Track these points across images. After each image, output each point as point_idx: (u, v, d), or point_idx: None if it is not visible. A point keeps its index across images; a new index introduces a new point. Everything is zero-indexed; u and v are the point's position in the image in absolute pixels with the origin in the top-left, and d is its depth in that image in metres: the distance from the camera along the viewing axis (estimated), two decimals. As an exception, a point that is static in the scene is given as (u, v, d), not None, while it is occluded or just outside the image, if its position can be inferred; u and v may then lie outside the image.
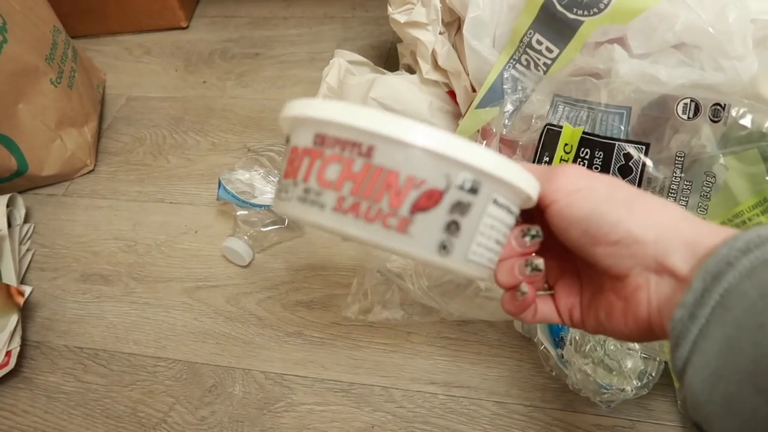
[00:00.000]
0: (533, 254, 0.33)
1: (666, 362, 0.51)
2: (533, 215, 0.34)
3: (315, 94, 0.79)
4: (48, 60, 0.80)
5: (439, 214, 0.27)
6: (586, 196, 0.31)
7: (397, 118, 0.26)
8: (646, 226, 0.30)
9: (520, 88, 0.60)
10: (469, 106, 0.64)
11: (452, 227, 0.28)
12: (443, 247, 0.28)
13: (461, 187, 0.27)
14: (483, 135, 0.63)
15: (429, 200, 0.27)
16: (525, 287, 0.33)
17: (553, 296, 0.37)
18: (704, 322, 0.26)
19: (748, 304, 0.25)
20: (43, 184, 0.86)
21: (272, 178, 0.73)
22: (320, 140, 0.28)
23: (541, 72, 0.59)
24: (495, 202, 0.29)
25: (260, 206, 0.71)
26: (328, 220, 0.28)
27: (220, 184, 0.73)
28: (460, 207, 0.28)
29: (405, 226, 0.27)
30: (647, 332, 0.31)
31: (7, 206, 0.78)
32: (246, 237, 0.72)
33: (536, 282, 0.34)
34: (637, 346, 0.50)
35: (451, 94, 0.74)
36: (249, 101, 0.95)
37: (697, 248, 0.29)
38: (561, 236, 0.32)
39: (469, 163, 0.27)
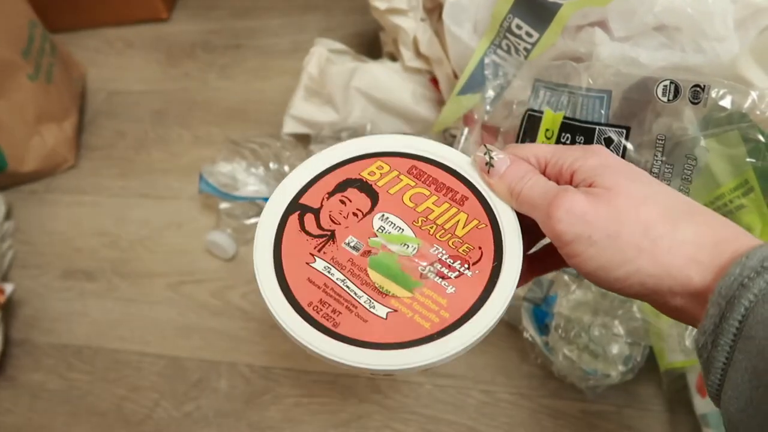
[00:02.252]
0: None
1: (651, 347, 0.51)
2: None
3: (298, 84, 0.78)
4: (24, 54, 0.78)
5: None
6: (586, 248, 0.29)
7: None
8: (659, 278, 0.28)
9: (501, 73, 0.59)
10: (452, 93, 0.64)
11: None
12: None
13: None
14: (465, 122, 0.62)
15: None
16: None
17: None
18: (729, 350, 0.25)
19: None
20: (24, 181, 0.85)
21: (254, 170, 0.72)
22: None
23: (522, 57, 0.58)
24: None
25: (242, 198, 0.70)
26: None
27: (201, 177, 0.72)
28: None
29: None
30: None
31: (-13, 204, 0.77)
32: (229, 230, 0.71)
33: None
34: (622, 331, 0.50)
35: (434, 81, 0.73)
36: (232, 93, 0.94)
37: (708, 288, 0.27)
38: None
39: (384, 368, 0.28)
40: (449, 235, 0.32)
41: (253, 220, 0.72)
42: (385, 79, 0.75)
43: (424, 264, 0.30)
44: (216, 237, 0.70)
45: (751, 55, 0.49)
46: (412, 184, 0.33)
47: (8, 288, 0.69)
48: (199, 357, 0.66)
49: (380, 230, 0.32)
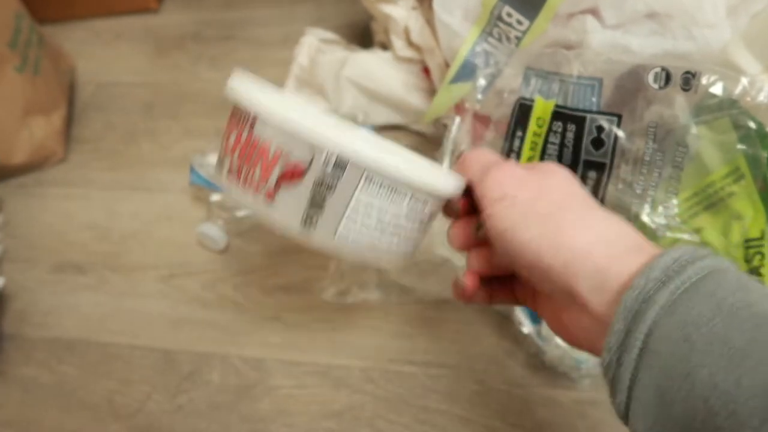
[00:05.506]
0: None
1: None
2: None
3: (289, 75, 0.78)
4: (11, 46, 0.77)
5: (303, 189, 0.30)
6: (507, 207, 0.30)
7: (279, 94, 0.30)
8: (556, 249, 0.28)
9: (492, 62, 0.59)
10: (443, 82, 0.63)
11: (317, 202, 0.30)
12: (308, 220, 0.30)
13: (325, 164, 0.29)
14: (457, 111, 0.62)
15: (293, 174, 0.30)
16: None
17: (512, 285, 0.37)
18: (633, 368, 0.25)
19: (673, 349, 0.24)
20: (13, 174, 0.84)
21: (245, 162, 0.71)
22: (232, 112, 0.33)
23: (513, 45, 0.58)
24: (371, 181, 0.29)
25: (233, 190, 0.70)
26: (224, 182, 0.32)
27: (192, 169, 0.71)
28: (325, 184, 0.29)
29: (272, 195, 0.30)
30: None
31: (-25, 197, 0.77)
32: (221, 222, 0.71)
33: None
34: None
35: (426, 70, 0.73)
36: (222, 85, 0.91)
37: (607, 276, 0.27)
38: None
39: (332, 142, 0.29)
40: None
41: (243, 212, 0.71)
42: (377, 68, 0.74)
43: None
44: (207, 229, 0.70)
45: (742, 42, 0.49)
46: None
47: (-2, 282, 0.68)
48: (191, 349, 0.65)
49: None
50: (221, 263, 0.72)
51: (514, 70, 0.57)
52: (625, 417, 0.26)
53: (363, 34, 0.94)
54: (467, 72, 0.60)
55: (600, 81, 0.50)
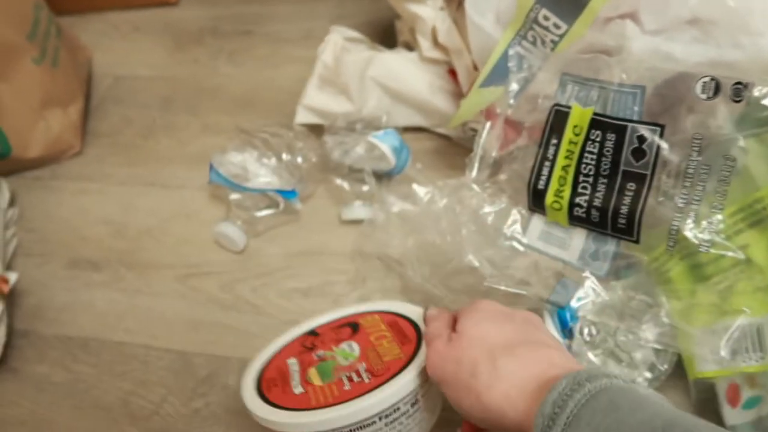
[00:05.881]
0: None
1: (678, 354, 0.50)
2: None
3: (309, 72, 0.76)
4: (30, 37, 0.76)
5: None
6: (444, 387, 0.39)
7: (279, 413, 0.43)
8: (485, 413, 0.36)
9: (525, 66, 0.57)
10: (472, 85, 0.62)
11: None
12: None
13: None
14: (487, 116, 0.60)
15: None
16: None
17: None
18: None
19: None
20: (29, 167, 0.83)
21: (265, 161, 0.70)
22: None
23: (548, 49, 0.56)
24: None
25: (253, 190, 0.69)
26: None
27: (211, 167, 0.70)
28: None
29: None
30: None
31: (-9, 190, 0.76)
32: (239, 222, 0.69)
33: None
34: (649, 336, 0.48)
35: (452, 72, 0.71)
36: (241, 80, 0.92)
37: (521, 424, 0.34)
38: None
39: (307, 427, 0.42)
40: (378, 358, 0.46)
41: (263, 212, 0.70)
42: (402, 69, 0.73)
43: (347, 370, 0.45)
44: (226, 229, 0.69)
45: (792, 52, 0.47)
46: (383, 329, 0.49)
47: (12, 277, 0.67)
48: (208, 352, 0.64)
49: (341, 349, 0.48)
50: (239, 264, 0.70)
51: (549, 75, 0.55)
52: None
53: (385, 33, 0.93)
54: (499, 75, 0.58)
55: (643, 89, 0.48)
